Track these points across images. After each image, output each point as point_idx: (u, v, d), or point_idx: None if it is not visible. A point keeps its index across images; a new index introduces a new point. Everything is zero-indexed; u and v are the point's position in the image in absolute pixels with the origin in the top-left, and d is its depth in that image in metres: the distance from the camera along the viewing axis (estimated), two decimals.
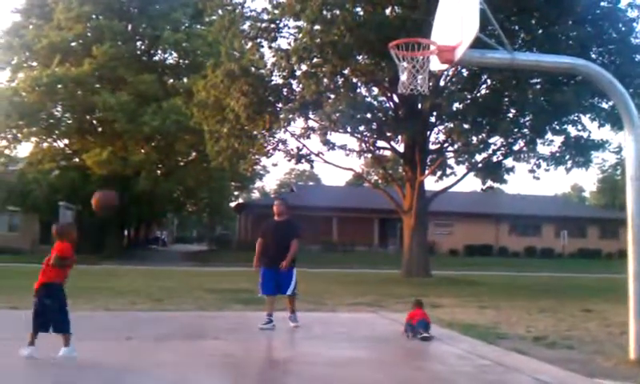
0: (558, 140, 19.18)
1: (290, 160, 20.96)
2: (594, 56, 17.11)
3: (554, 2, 16.47)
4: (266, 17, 19.26)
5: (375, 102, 20.32)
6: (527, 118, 18.33)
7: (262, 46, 19.63)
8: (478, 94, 19.28)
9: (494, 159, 20.28)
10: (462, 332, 7.90)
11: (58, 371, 5.24)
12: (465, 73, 18.93)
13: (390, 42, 6.55)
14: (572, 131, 18.98)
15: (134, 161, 32.74)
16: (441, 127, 20.62)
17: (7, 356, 5.52)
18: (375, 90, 20.54)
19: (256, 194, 72.99)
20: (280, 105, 19.01)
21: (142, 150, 34.94)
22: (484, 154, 20.06)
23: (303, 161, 21.03)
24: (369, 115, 19.01)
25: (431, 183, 22.29)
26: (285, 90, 19.38)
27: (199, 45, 33.73)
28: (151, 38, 36.09)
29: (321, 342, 7.12)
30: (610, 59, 17.36)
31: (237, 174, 31.00)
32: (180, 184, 38.74)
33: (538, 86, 17.55)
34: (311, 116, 19.41)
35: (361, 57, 18.50)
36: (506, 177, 20.71)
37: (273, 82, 19.45)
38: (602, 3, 17.84)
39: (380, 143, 21.50)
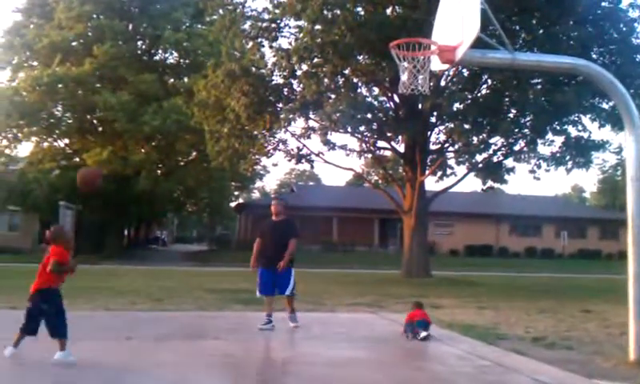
0: (559, 140, 19.20)
1: (290, 160, 20.97)
2: (594, 56, 17.10)
3: (555, 2, 16.46)
4: (266, 16, 19.26)
5: (376, 102, 20.31)
6: (528, 119, 18.33)
7: (263, 46, 19.65)
8: (479, 94, 19.27)
9: (495, 159, 20.28)
10: (461, 332, 7.90)
11: (58, 371, 5.24)
12: (465, 73, 18.93)
13: (391, 42, 6.55)
14: (572, 131, 19.01)
15: (135, 160, 32.74)
16: (441, 127, 20.62)
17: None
18: (376, 90, 20.54)
19: (256, 194, 73.00)
20: (280, 105, 19.01)
21: (143, 150, 34.95)
22: (484, 155, 20.07)
23: (303, 161, 21.03)
24: (369, 115, 19.01)
25: (431, 183, 22.34)
26: (285, 89, 19.38)
27: (200, 44, 33.74)
28: (152, 37, 36.09)
29: (320, 343, 7.12)
30: (610, 59, 17.35)
31: (237, 173, 31.00)
32: (180, 184, 38.73)
33: (539, 86, 17.54)
34: (312, 116, 19.40)
35: (361, 57, 18.50)
36: (506, 177, 20.75)
37: (273, 82, 19.44)
38: (603, 3, 17.82)
39: (380, 143, 21.50)
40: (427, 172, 20.45)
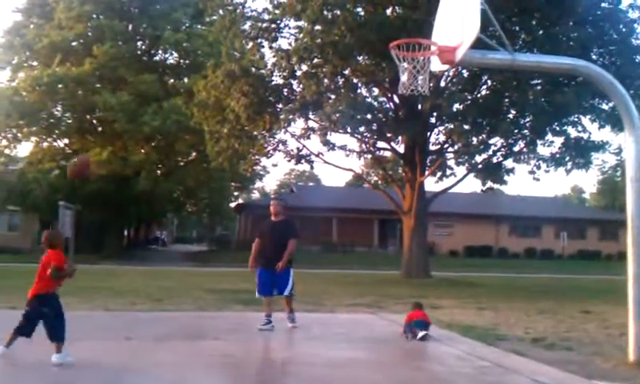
0: (559, 141, 19.19)
1: (290, 160, 20.97)
2: (594, 57, 17.10)
3: (555, 2, 16.46)
4: (266, 17, 19.26)
5: (375, 103, 20.31)
6: (527, 119, 18.33)
7: (263, 46, 19.65)
8: (479, 95, 19.28)
9: (494, 160, 20.28)
10: (461, 333, 7.90)
11: (57, 371, 5.23)
12: (465, 73, 18.93)
13: (391, 43, 6.54)
14: (572, 132, 19.02)
15: (134, 161, 32.74)
16: (441, 128, 20.63)
17: (7, 356, 5.50)
18: (375, 91, 20.54)
19: (256, 195, 73.00)
20: (280, 105, 19.01)
21: (142, 150, 34.95)
22: (484, 155, 20.06)
23: (303, 161, 21.03)
24: (369, 116, 19.02)
25: (431, 184, 22.34)
26: (285, 90, 19.38)
27: (200, 45, 33.74)
28: (152, 37, 36.09)
29: (319, 343, 7.11)
30: (610, 60, 17.35)
31: (237, 174, 30.98)
32: (180, 184, 38.72)
33: (539, 87, 17.54)
34: (311, 116, 19.41)
35: (361, 57, 18.50)
36: (505, 178, 20.79)
37: (273, 83, 19.45)
38: (603, 4, 17.83)
39: (380, 144, 21.50)
40: (427, 172, 20.45)
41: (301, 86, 18.54)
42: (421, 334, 7.09)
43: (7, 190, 33.09)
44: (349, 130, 19.37)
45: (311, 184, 69.72)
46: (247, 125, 19.38)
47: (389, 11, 18.22)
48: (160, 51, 38.05)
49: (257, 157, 22.23)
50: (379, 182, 25.90)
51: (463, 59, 6.19)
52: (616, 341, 7.47)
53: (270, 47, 19.32)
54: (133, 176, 33.25)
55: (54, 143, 37.64)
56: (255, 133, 20.32)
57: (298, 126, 19.99)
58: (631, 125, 6.46)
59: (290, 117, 18.77)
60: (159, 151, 35.73)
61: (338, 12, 17.01)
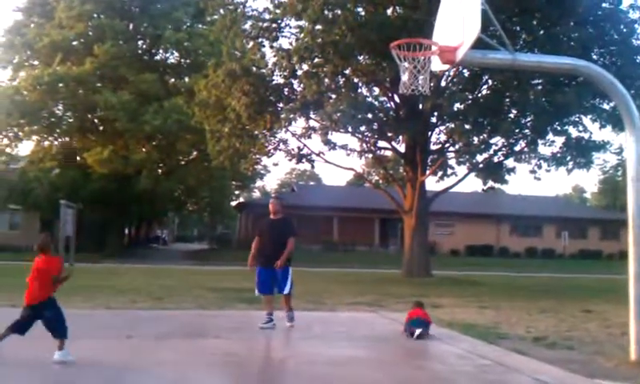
0: (559, 141, 19.22)
1: (290, 160, 21.00)
2: (595, 57, 17.10)
3: (556, 2, 16.46)
4: (267, 16, 19.27)
5: (376, 102, 20.33)
6: (528, 119, 18.34)
7: (264, 46, 19.66)
8: (480, 95, 19.28)
9: (495, 160, 20.29)
10: (462, 332, 7.91)
11: (59, 370, 5.25)
12: (466, 73, 18.93)
13: (392, 42, 6.55)
14: (573, 132, 19.03)
15: (135, 160, 32.74)
16: (442, 127, 20.63)
17: (7, 355, 5.51)
18: (376, 90, 20.56)
19: (257, 194, 73.00)
20: (281, 104, 19.02)
21: (143, 149, 34.95)
22: (485, 155, 20.09)
23: (304, 160, 21.06)
24: (370, 115, 19.01)
25: (432, 183, 22.35)
26: (286, 89, 19.39)
27: (201, 44, 33.73)
28: (153, 37, 36.09)
29: (320, 342, 7.13)
30: (611, 60, 17.35)
31: (238, 173, 31.03)
32: (181, 183, 38.76)
33: (540, 87, 17.54)
34: (312, 116, 19.41)
35: (362, 57, 18.51)
36: (506, 177, 20.76)
37: (274, 82, 19.45)
38: (604, 4, 17.82)
39: (381, 143, 21.52)
40: (428, 172, 20.46)
41: (301, 85, 18.54)
42: (417, 332, 7.10)
43: (8, 188, 33.14)
44: (350, 129, 19.37)
45: (312, 183, 69.73)
46: (248, 124, 19.39)
47: (389, 11, 18.23)
48: (161, 50, 38.04)
49: (258, 156, 22.26)
50: (380, 181, 25.91)
51: (464, 59, 6.19)
52: (617, 340, 7.48)
53: (271, 47, 19.35)
54: (134, 175, 33.28)
55: (55, 142, 37.57)
56: (256, 132, 20.33)
57: (299, 125, 20.06)
58: (632, 124, 6.47)
59: (291, 116, 18.78)
60: (160, 150, 35.73)
61: (339, 12, 17.02)
